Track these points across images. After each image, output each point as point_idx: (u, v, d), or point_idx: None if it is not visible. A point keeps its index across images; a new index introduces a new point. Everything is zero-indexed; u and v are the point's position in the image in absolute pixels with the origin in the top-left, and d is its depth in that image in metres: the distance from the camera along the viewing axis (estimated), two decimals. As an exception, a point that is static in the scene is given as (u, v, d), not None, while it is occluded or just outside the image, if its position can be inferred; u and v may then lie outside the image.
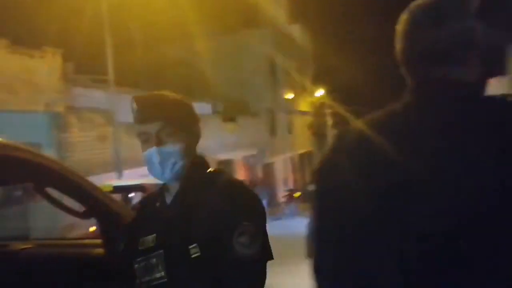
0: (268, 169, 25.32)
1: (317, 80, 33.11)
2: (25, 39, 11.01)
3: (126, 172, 12.80)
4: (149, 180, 10.39)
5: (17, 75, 10.64)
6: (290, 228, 16.34)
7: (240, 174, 22.35)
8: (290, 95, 28.98)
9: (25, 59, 10.97)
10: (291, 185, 25.77)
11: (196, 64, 24.04)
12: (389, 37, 1.19)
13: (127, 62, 20.22)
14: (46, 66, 11.68)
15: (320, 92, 31.34)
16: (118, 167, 12.31)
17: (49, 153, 11.90)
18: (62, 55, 12.08)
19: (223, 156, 21.13)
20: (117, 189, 9.41)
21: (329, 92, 31.89)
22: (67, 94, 12.32)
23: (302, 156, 31.42)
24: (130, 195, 10.16)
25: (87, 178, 2.33)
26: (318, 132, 34.26)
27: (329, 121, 33.75)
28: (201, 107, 20.34)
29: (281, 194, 23.65)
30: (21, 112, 10.79)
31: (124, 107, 10.14)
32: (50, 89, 11.74)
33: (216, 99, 22.23)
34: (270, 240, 1.53)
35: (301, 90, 31.56)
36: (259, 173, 24.08)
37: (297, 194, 21.66)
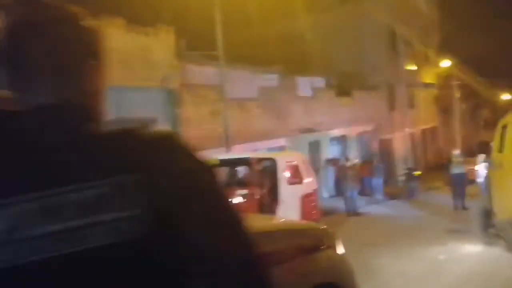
0: (386, 145, 24.09)
1: (444, 50, 30.55)
2: (140, 17, 11.46)
3: (235, 147, 12.97)
4: (254, 154, 10.38)
5: (133, 52, 11.15)
6: (406, 209, 15.42)
7: (354, 150, 21.55)
8: (412, 67, 27.11)
9: (140, 37, 11.45)
10: (410, 163, 24.26)
11: (311, 37, 23.46)
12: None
13: (240, 39, 20.42)
14: (160, 43, 12.10)
15: (446, 63, 28.88)
16: (227, 141, 12.48)
17: (164, 127, 12.44)
18: (175, 32, 12.41)
19: (337, 132, 20.52)
20: (223, 162, 9.50)
21: (457, 63, 29.28)
22: (181, 71, 12.69)
23: (424, 132, 29.43)
24: (236, 168, 10.22)
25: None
26: (444, 106, 31.80)
27: (457, 94, 31.10)
28: (314, 81, 19.87)
29: (400, 173, 22.37)
30: (138, 88, 11.32)
31: (234, 83, 10.09)
32: (165, 65, 12.16)
33: (330, 73, 21.53)
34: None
35: (424, 61, 29.37)
36: (376, 150, 23.00)
37: (418, 173, 20.29)
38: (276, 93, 16.89)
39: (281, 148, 16.51)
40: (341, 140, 21.29)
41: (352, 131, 21.78)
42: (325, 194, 18.04)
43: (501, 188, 6.43)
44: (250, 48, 20.15)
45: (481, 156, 10.00)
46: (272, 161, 9.32)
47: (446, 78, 30.18)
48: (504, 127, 6.65)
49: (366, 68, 23.38)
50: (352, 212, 14.08)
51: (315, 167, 19.00)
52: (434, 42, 31.32)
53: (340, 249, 3.30)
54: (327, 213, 14.34)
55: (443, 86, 30.80)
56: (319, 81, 20.25)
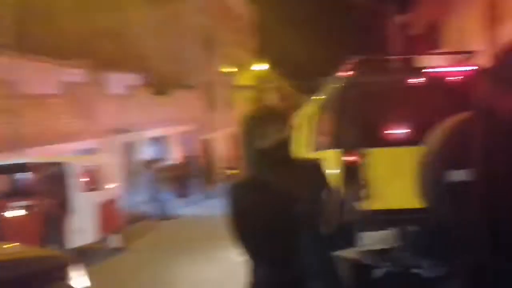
0: (206, 145, 24.18)
1: (260, 54, 32.04)
2: None
3: (33, 150, 11.35)
4: (40, 158, 9.11)
5: None
6: (222, 209, 15.41)
7: (175, 151, 21.11)
8: (229, 69, 27.75)
9: None
10: (229, 162, 24.77)
11: (126, 34, 22.32)
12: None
13: (44, 29, 18.40)
14: None
15: (263, 66, 30.31)
16: (18, 144, 10.82)
17: None
18: None
19: (156, 132, 19.80)
20: (-2, 169, 8.07)
21: (273, 66, 30.91)
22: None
23: (244, 132, 30.41)
24: (17, 176, 8.78)
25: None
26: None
27: (273, 96, 32.89)
28: (128, 79, 18.81)
29: (220, 172, 22.61)
30: None
31: (31, 77, 8.44)
32: None
33: (147, 71, 20.68)
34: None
35: (242, 64, 30.37)
36: (197, 150, 22.90)
37: (235, 171, 20.66)
38: (84, 90, 15.45)
39: (90, 151, 15.13)
40: (161, 140, 20.63)
41: (172, 131, 21.28)
42: (140, 198, 17.19)
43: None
44: (56, 40, 18.25)
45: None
46: (63, 166, 8.20)
47: (263, 80, 31.67)
48: (295, 127, 6.71)
49: (185, 67, 23.10)
50: (166, 216, 13.51)
51: (131, 169, 18.04)
52: (252, 45, 32.64)
53: (81, 281, 2.64)
54: (139, 218, 13.57)
55: (260, 88, 32.26)
56: (134, 79, 19.26)
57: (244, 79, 30.40)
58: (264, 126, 1.90)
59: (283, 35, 34.64)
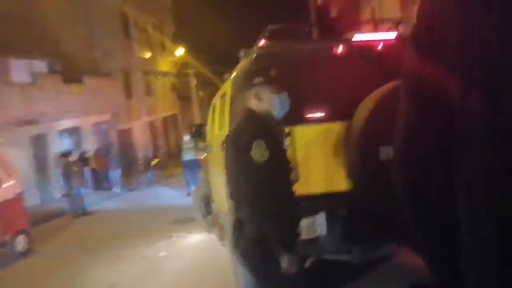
0: (125, 135, 23.03)
1: (179, 39, 31.01)
2: None
3: None
4: None
5: None
6: (142, 201, 14.58)
7: (91, 142, 19.84)
8: (147, 54, 26.59)
9: None
10: (150, 152, 23.82)
11: (33, 17, 20.51)
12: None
13: None
14: None
15: (180, 51, 29.37)
16: None
17: None
18: None
19: (68, 123, 18.44)
20: None
21: (191, 51, 30.02)
22: None
23: (165, 120, 29.46)
24: None
25: None
26: (182, 94, 32.41)
27: (193, 82, 32.05)
28: (34, 65, 17.27)
29: (139, 163, 21.59)
30: None
31: None
32: None
33: (56, 57, 19.12)
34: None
35: (160, 49, 29.24)
36: (115, 140, 21.70)
37: (155, 161, 19.83)
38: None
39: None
40: (74, 132, 19.28)
41: (86, 122, 19.96)
42: (56, 194, 15.97)
43: (213, 173, 6.00)
44: None
45: (194, 140, 9.75)
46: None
47: (182, 66, 30.72)
48: (214, 108, 6.25)
49: (98, 53, 21.72)
50: (80, 212, 12.53)
51: (42, 164, 16.67)
52: (169, 29, 31.52)
53: None
54: (53, 216, 12.52)
55: (180, 74, 31.30)
56: (41, 65, 17.71)
57: (164, 65, 29.32)
58: None
59: (201, 18, 33.83)
